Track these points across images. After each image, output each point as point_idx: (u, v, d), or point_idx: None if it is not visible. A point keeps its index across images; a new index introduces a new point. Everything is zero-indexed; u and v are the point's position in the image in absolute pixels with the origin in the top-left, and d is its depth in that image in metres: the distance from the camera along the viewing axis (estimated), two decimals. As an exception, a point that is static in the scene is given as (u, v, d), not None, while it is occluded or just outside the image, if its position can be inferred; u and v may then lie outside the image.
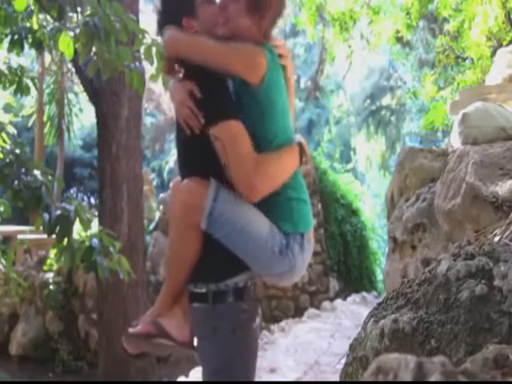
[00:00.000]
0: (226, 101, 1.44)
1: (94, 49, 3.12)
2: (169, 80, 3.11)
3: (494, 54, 5.35)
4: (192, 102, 1.42)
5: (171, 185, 1.66)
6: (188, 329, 1.51)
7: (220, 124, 1.40)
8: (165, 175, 17.62)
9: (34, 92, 6.40)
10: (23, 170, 3.21)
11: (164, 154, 18.20)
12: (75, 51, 3.16)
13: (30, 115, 11.28)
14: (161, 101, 14.88)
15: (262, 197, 1.44)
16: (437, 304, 1.33)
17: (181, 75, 1.54)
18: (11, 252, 7.54)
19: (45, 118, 11.02)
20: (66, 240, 3.07)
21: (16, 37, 3.40)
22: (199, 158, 1.50)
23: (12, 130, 3.77)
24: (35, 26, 3.40)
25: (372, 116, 18.68)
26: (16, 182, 3.12)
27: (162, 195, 9.20)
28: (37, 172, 3.23)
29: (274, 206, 1.48)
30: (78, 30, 3.08)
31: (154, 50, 3.11)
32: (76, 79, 9.57)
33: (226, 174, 1.45)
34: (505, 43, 6.01)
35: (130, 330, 1.52)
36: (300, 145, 1.54)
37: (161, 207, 8.91)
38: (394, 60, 13.73)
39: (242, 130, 1.41)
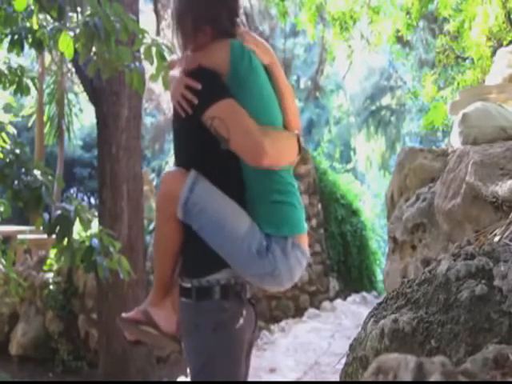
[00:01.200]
0: (216, 87, 1.45)
1: (94, 49, 3.12)
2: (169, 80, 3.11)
3: (494, 54, 5.35)
4: (190, 81, 1.44)
5: None
6: (175, 322, 1.53)
7: (213, 105, 1.41)
8: (165, 175, 17.59)
9: (34, 92, 6.40)
10: (23, 170, 3.21)
11: (164, 154, 18.19)
12: (75, 51, 3.16)
13: (30, 115, 11.26)
14: (161, 101, 14.85)
15: (271, 163, 1.42)
16: (437, 304, 1.32)
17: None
18: (11, 252, 7.55)
19: (45, 118, 10.99)
20: (66, 240, 3.07)
21: (16, 37, 3.39)
22: (184, 150, 1.53)
23: (12, 130, 3.77)
24: (35, 26, 3.39)
25: (372, 116, 18.68)
26: (16, 182, 3.12)
27: (161, 195, 9.20)
28: (37, 172, 3.22)
29: (258, 207, 1.46)
30: (78, 30, 3.08)
31: (153, 49, 3.11)
32: (76, 79, 9.56)
33: (209, 167, 1.46)
34: (505, 43, 6.01)
35: (123, 314, 1.58)
36: (297, 135, 1.55)
37: (161, 207, 8.90)
38: (393, 60, 13.71)
39: (236, 105, 1.42)
